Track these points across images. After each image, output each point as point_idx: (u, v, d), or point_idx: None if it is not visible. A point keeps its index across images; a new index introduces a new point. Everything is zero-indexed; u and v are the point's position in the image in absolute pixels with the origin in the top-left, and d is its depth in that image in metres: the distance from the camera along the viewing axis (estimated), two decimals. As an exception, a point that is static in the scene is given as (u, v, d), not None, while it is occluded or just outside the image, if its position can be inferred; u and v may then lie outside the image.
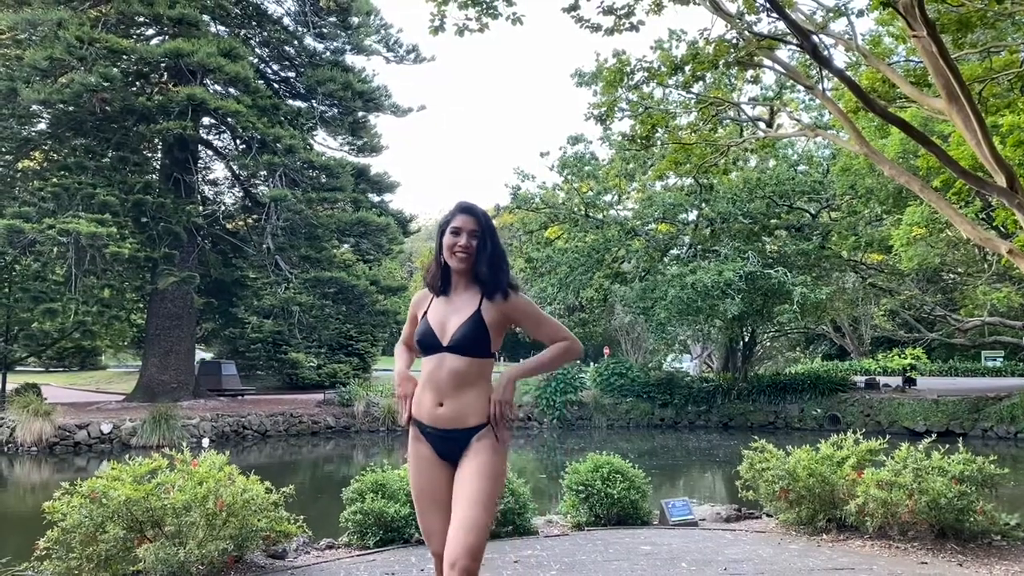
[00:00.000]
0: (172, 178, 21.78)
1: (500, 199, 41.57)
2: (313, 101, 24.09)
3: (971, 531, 5.40)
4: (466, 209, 2.74)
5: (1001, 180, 6.73)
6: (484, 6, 8.24)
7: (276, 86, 25.00)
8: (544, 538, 5.86)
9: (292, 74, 25.28)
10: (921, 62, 8.24)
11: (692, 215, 23.06)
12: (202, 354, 30.54)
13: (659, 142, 11.64)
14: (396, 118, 27.00)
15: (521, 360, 3.25)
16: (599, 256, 22.86)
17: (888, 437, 6.06)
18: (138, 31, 22.69)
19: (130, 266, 21.08)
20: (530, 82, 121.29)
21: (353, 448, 18.62)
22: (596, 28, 8.66)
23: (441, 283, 2.77)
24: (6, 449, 15.95)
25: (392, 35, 24.92)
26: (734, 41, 8.39)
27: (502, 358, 36.57)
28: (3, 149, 21.72)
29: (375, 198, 25.84)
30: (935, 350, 36.76)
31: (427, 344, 2.71)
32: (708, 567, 4.94)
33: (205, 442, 16.65)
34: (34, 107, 19.99)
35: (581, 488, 6.33)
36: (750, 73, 10.21)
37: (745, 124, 14.14)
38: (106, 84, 18.91)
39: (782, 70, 8.97)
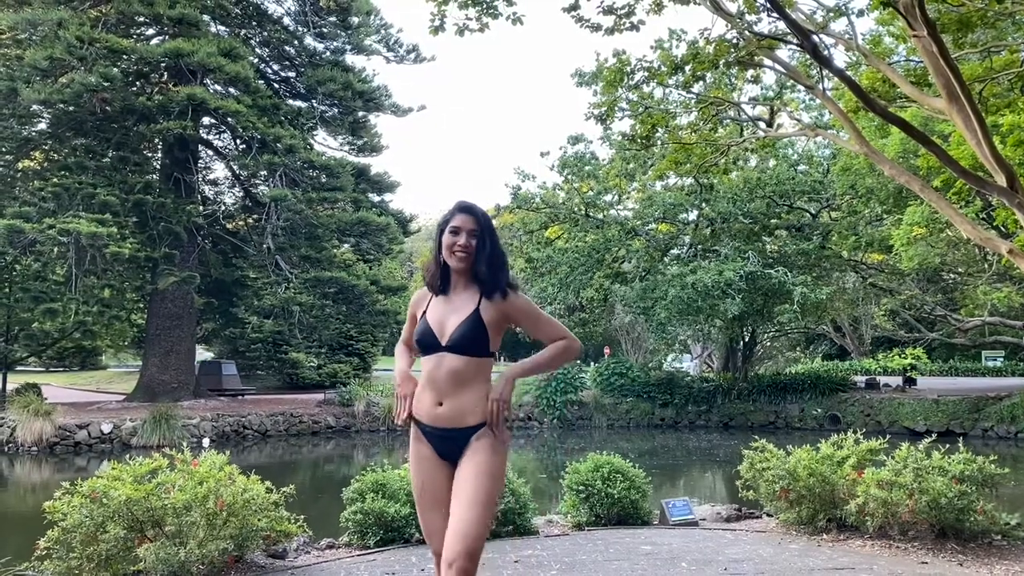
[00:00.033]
0: (172, 178, 21.79)
1: (500, 199, 41.53)
2: (313, 101, 24.10)
3: (971, 531, 5.40)
4: (465, 208, 2.74)
5: (1001, 180, 6.73)
6: (484, 6, 8.24)
7: (276, 86, 25.01)
8: (544, 538, 5.86)
9: (292, 74, 25.29)
10: (921, 62, 8.23)
11: (692, 215, 23.05)
12: (202, 354, 30.53)
13: (659, 142, 11.64)
14: (396, 118, 27.06)
15: (520, 360, 3.24)
16: (599, 256, 22.86)
17: (888, 437, 6.06)
18: (138, 31, 22.70)
19: (130, 266, 21.09)
20: (530, 82, 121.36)
21: (353, 448, 18.63)
22: (596, 28, 8.67)
23: (440, 282, 2.77)
24: (6, 449, 15.96)
25: (392, 35, 24.97)
26: (734, 41, 8.40)
27: (502, 358, 36.55)
28: (3, 149, 21.73)
29: (375, 198, 25.86)
30: (935, 350, 36.76)
31: (426, 343, 2.71)
32: (708, 567, 4.94)
33: (205, 442, 16.66)
34: (34, 107, 20.00)
35: (581, 488, 6.32)
36: (750, 73, 10.23)
37: (745, 124, 14.15)
38: (106, 84, 18.92)
39: (782, 70, 8.96)
